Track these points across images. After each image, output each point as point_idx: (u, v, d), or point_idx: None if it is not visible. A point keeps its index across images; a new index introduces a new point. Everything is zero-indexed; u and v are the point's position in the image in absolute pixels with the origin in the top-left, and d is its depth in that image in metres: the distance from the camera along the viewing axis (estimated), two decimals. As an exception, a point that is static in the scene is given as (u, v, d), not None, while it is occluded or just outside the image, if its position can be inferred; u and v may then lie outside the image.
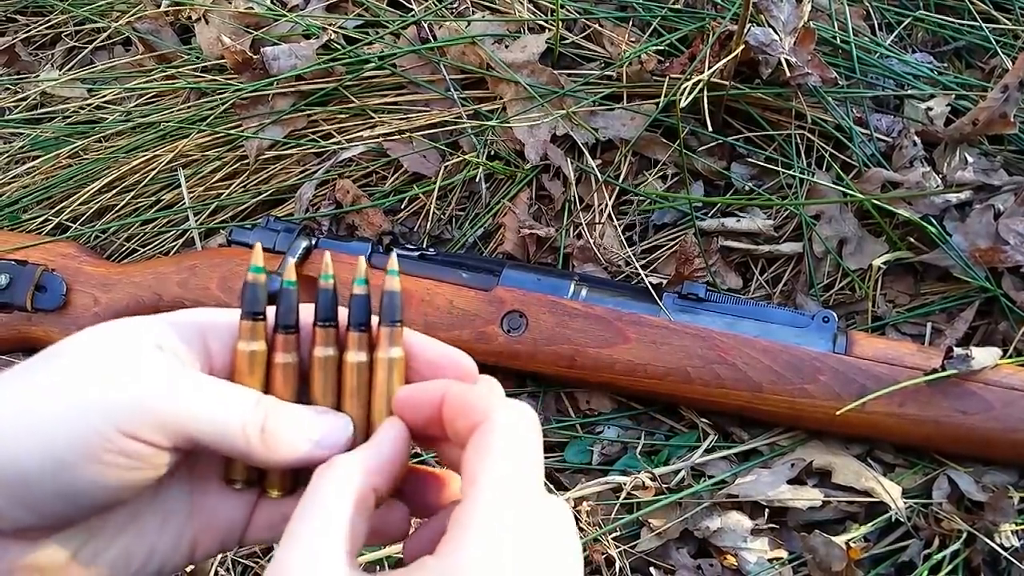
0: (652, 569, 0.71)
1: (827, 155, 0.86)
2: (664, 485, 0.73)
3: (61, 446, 0.33)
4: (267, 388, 0.38)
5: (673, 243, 0.87)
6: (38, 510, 0.34)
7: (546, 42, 0.89)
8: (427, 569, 0.31)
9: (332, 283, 0.39)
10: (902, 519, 0.71)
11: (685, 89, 0.78)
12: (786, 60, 0.81)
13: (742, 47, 0.79)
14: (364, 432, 0.39)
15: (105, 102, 1.01)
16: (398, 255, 0.80)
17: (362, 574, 0.32)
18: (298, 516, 0.33)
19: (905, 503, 0.71)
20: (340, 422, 0.38)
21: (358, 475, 0.35)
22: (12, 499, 0.33)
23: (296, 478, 0.39)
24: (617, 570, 0.70)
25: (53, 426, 0.33)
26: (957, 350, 0.69)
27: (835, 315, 0.74)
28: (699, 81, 0.79)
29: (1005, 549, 0.68)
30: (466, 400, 0.36)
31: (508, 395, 0.82)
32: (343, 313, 0.39)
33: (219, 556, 0.73)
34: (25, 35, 1.10)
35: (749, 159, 0.88)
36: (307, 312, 0.39)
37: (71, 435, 0.33)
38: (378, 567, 0.72)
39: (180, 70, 0.99)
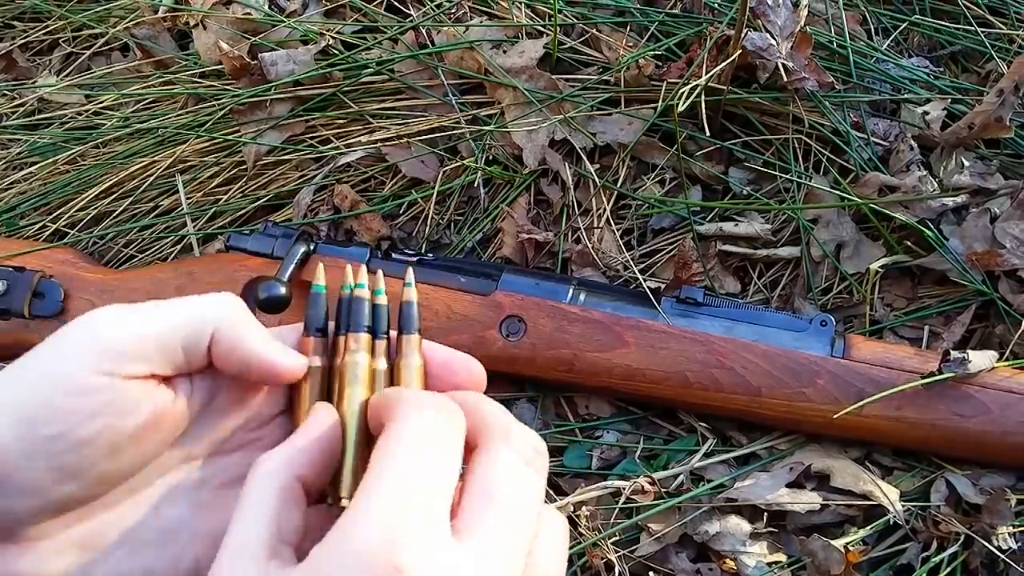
0: (651, 574, 0.71)
1: (824, 159, 0.87)
2: (663, 489, 0.73)
3: (30, 407, 0.33)
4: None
5: (671, 247, 0.87)
6: (28, 486, 0.33)
7: (544, 47, 0.90)
8: (318, 558, 0.31)
9: (365, 293, 0.41)
10: (900, 522, 0.71)
11: (683, 94, 0.79)
12: (783, 65, 0.81)
13: (739, 52, 0.79)
14: None
15: (103, 108, 1.01)
16: (396, 259, 0.80)
17: (280, 565, 0.32)
18: (234, 511, 0.34)
19: (903, 506, 0.71)
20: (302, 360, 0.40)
21: (281, 467, 0.35)
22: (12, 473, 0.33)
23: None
24: (616, 575, 0.70)
25: (19, 393, 0.34)
26: (954, 353, 0.69)
27: (833, 319, 0.74)
28: (697, 86, 0.79)
29: (1003, 551, 0.68)
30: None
31: (507, 400, 0.82)
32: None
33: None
34: (23, 41, 1.10)
35: (747, 163, 0.88)
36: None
37: (35, 392, 0.34)
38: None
39: (178, 76, 0.99)
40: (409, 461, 0.32)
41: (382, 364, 0.40)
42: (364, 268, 0.42)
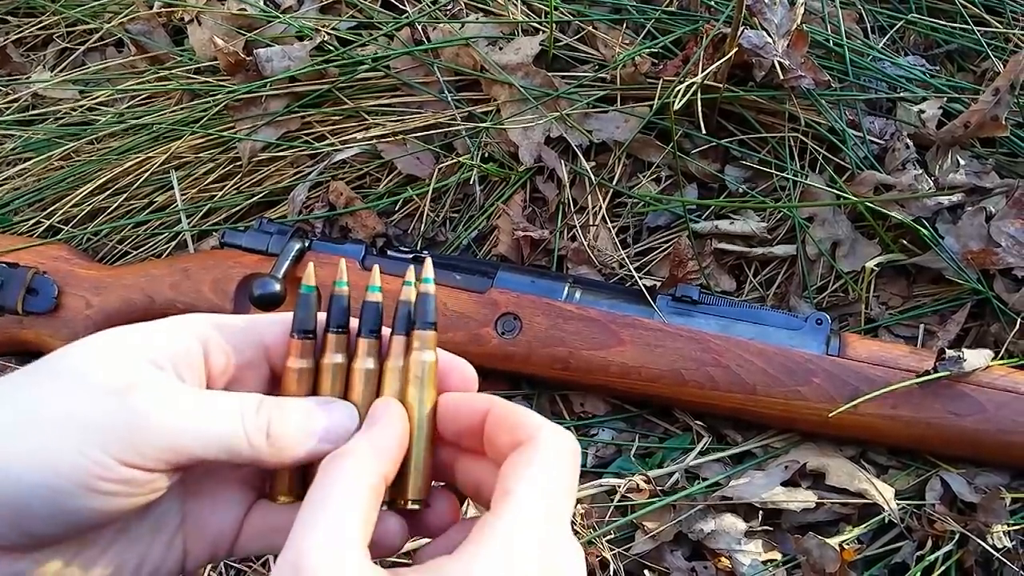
0: (646, 572, 0.71)
1: (820, 157, 0.86)
2: (658, 487, 0.73)
3: (59, 477, 0.33)
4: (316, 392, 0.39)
5: (667, 245, 0.87)
6: (31, 532, 0.33)
7: (540, 44, 0.89)
8: (442, 569, 0.31)
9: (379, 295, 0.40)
10: (895, 520, 0.71)
11: (679, 91, 0.79)
12: (779, 63, 0.81)
13: (736, 50, 0.79)
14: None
15: (97, 103, 1.01)
16: (391, 257, 0.80)
17: (373, 564, 0.32)
18: (312, 505, 0.32)
19: (898, 504, 0.71)
20: (346, 411, 0.38)
21: (371, 462, 0.35)
22: (4, 521, 0.33)
23: (305, 482, 0.39)
24: (611, 573, 0.70)
25: (50, 458, 0.33)
26: (949, 352, 0.69)
27: (828, 317, 0.74)
28: (693, 83, 0.79)
29: (997, 550, 0.68)
30: (515, 417, 0.36)
31: (502, 397, 0.81)
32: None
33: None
34: (17, 36, 1.09)
35: (743, 161, 0.88)
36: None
37: (69, 466, 0.33)
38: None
39: (173, 71, 0.99)
40: (547, 497, 0.33)
41: (393, 362, 0.39)
42: (412, 268, 0.41)
